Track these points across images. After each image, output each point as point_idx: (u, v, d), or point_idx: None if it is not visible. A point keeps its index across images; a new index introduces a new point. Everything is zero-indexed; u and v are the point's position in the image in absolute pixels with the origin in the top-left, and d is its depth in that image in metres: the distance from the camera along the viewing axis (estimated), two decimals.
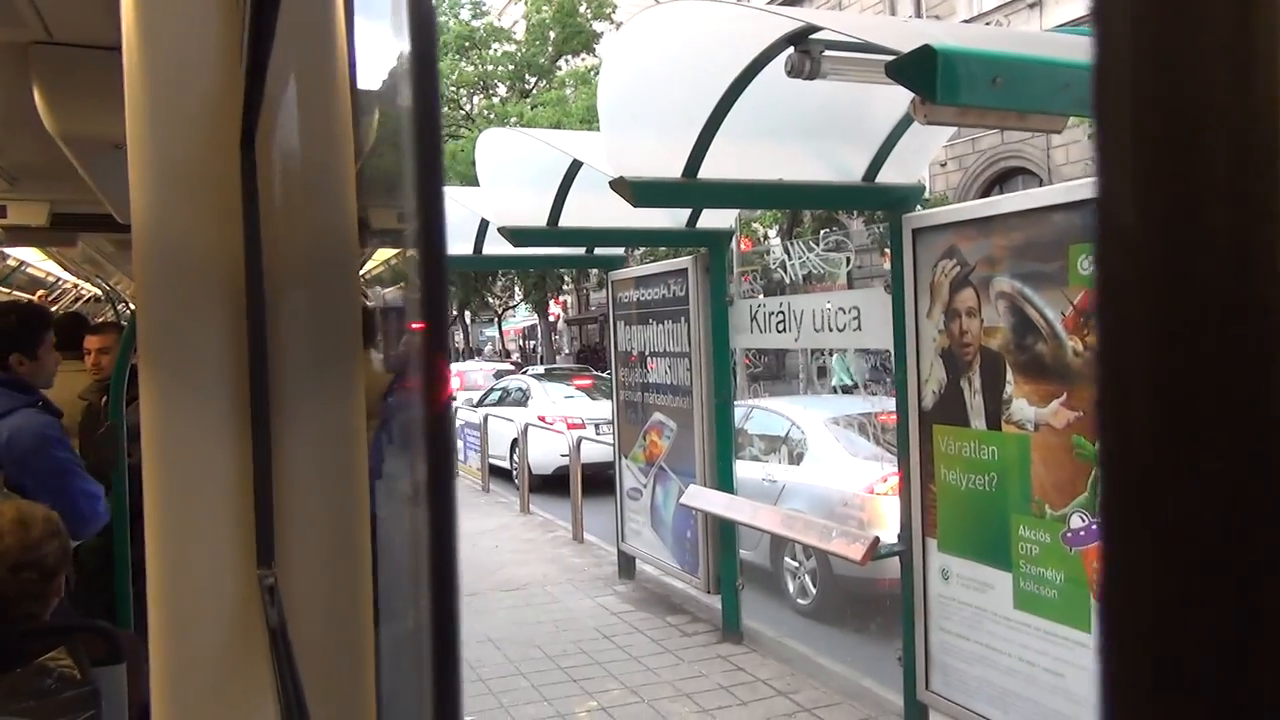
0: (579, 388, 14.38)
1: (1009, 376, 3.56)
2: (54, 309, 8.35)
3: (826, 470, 6.79)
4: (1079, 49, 3.13)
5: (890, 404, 6.96)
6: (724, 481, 5.93)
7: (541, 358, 34.49)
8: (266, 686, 0.84)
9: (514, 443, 12.79)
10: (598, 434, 10.71)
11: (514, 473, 12.92)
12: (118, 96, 0.92)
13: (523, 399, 13.88)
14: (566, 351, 39.78)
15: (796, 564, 6.92)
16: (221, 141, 0.88)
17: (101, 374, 3.88)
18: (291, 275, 0.90)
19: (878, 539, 4.24)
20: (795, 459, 7.12)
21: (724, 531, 5.94)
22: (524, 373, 17.36)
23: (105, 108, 1.17)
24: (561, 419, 12.45)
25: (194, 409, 0.89)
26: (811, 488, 6.74)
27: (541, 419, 12.08)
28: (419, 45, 0.33)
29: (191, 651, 0.89)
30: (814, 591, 6.77)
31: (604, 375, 14.28)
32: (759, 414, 7.93)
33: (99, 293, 9.36)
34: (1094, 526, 3.23)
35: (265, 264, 0.88)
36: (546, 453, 11.26)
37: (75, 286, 9.53)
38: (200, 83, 0.88)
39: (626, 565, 7.47)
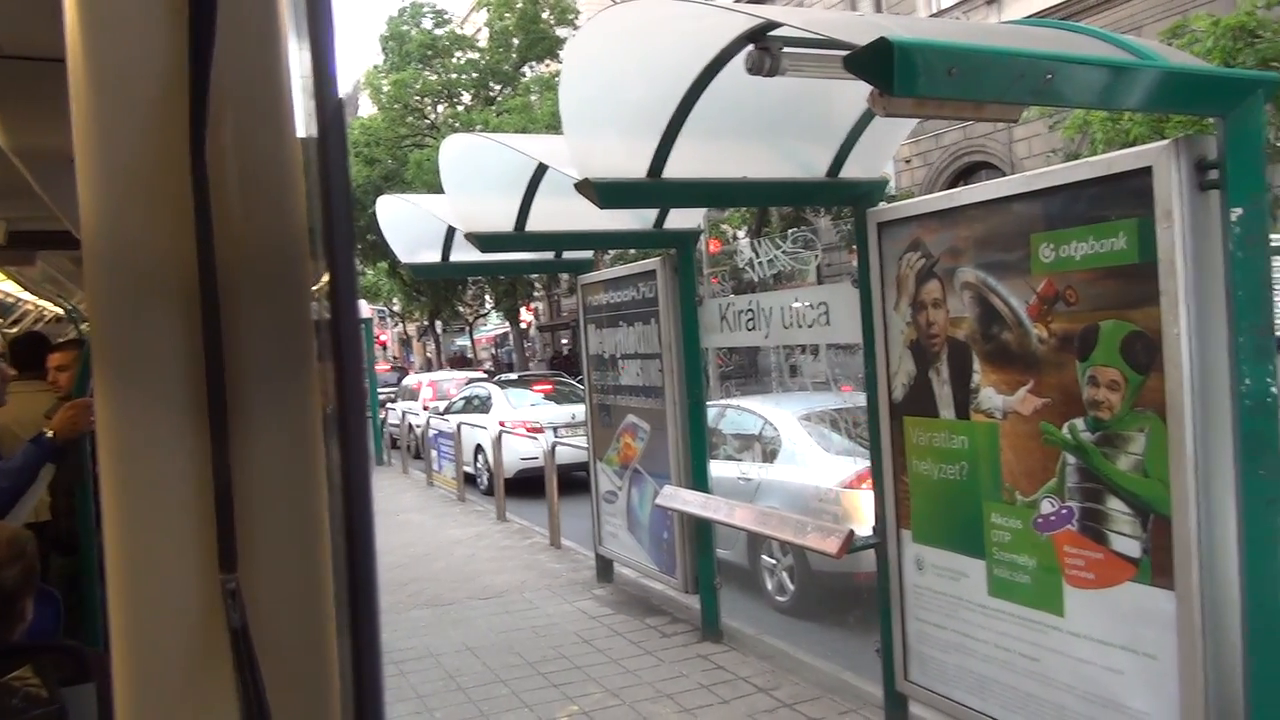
0: (540, 393, 14.53)
1: (976, 366, 3.59)
2: (14, 330, 8.21)
3: (800, 466, 6.83)
4: (1032, 39, 3.17)
5: (862, 399, 7.05)
6: (699, 481, 5.94)
7: (514, 365, 34.40)
8: (231, 693, 0.84)
9: (478, 448, 12.90)
10: (555, 437, 10.82)
11: (478, 478, 13.02)
12: (69, 109, 0.92)
13: (485, 406, 13.98)
14: (540, 358, 39.72)
15: (774, 561, 6.95)
16: (170, 147, 0.87)
17: (62, 391, 3.83)
18: (245, 282, 0.90)
19: (852, 532, 4.27)
20: (769, 456, 7.15)
21: (701, 531, 5.94)
22: (494, 380, 17.39)
23: (58, 121, 1.15)
24: (521, 424, 12.58)
25: (150, 417, 0.88)
26: (786, 484, 6.78)
27: (501, 424, 12.15)
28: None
29: (154, 661, 0.87)
30: (792, 589, 6.81)
31: (576, 382, 14.33)
32: (732, 413, 7.97)
33: (61, 312, 9.22)
34: (1064, 511, 3.27)
35: (219, 270, 0.87)
36: (507, 456, 11.29)
37: (36, 307, 9.37)
38: (147, 87, 0.88)
39: (604, 569, 7.46)
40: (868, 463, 6.17)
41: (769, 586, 7.01)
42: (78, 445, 3.02)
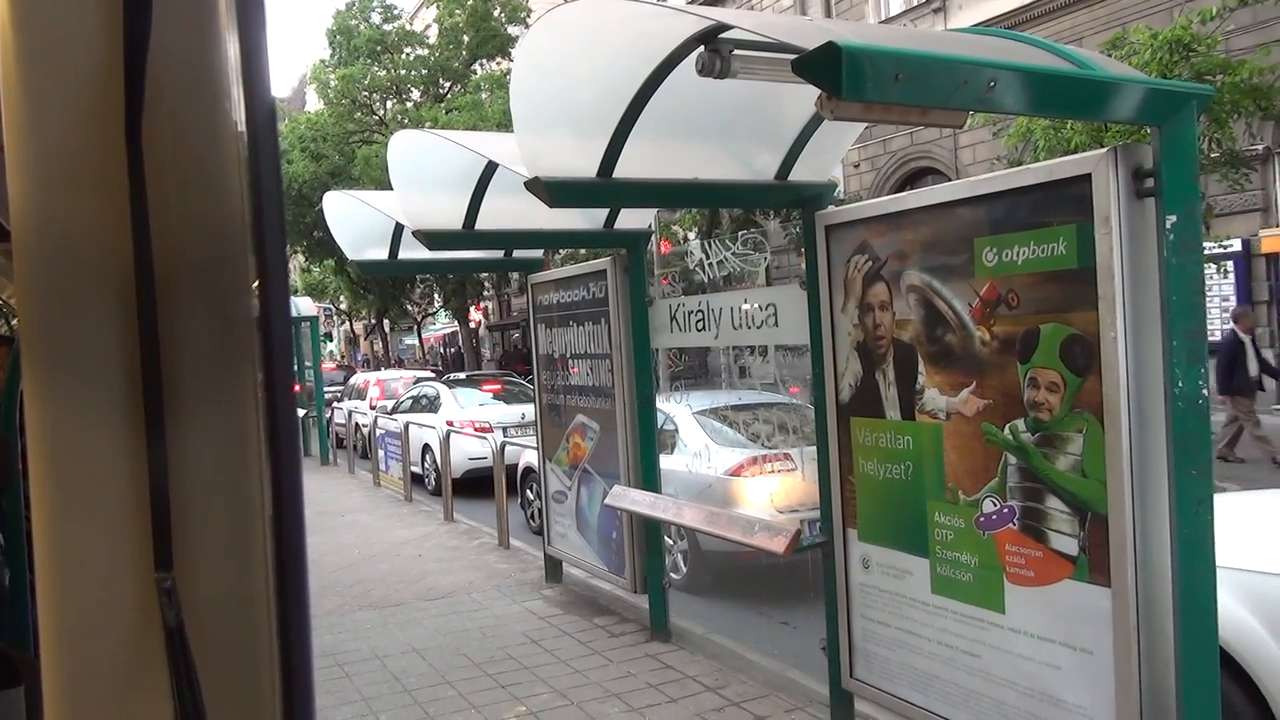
0: (489, 392, 14.50)
1: (921, 367, 3.65)
2: None
3: (693, 457, 7.37)
4: (977, 47, 3.23)
5: (757, 396, 7.69)
6: (648, 481, 5.95)
7: (465, 363, 34.14)
8: (166, 695, 0.82)
9: (425, 448, 12.80)
10: (505, 436, 10.83)
11: (425, 478, 12.92)
12: None
13: (434, 405, 13.87)
14: (489, 358, 39.45)
15: (670, 543, 7.47)
16: (105, 135, 0.85)
17: None
18: (183, 275, 0.88)
19: (799, 531, 4.30)
20: (669, 448, 7.56)
21: (649, 531, 5.96)
22: (445, 380, 17.22)
23: None
24: (469, 424, 12.52)
25: (84, 414, 0.86)
26: (679, 473, 7.23)
27: (450, 424, 12.07)
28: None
29: (86, 663, 0.85)
30: (685, 568, 7.50)
31: (526, 381, 14.28)
32: None
33: None
34: (1005, 510, 3.34)
35: (155, 264, 0.85)
36: (455, 455, 11.25)
37: None
38: (81, 73, 0.85)
39: (553, 569, 7.45)
40: (751, 453, 7.14)
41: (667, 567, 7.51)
42: (2, 449, 2.92)
